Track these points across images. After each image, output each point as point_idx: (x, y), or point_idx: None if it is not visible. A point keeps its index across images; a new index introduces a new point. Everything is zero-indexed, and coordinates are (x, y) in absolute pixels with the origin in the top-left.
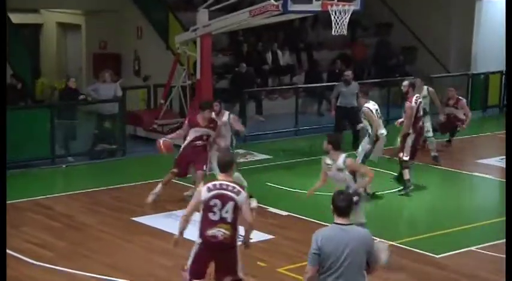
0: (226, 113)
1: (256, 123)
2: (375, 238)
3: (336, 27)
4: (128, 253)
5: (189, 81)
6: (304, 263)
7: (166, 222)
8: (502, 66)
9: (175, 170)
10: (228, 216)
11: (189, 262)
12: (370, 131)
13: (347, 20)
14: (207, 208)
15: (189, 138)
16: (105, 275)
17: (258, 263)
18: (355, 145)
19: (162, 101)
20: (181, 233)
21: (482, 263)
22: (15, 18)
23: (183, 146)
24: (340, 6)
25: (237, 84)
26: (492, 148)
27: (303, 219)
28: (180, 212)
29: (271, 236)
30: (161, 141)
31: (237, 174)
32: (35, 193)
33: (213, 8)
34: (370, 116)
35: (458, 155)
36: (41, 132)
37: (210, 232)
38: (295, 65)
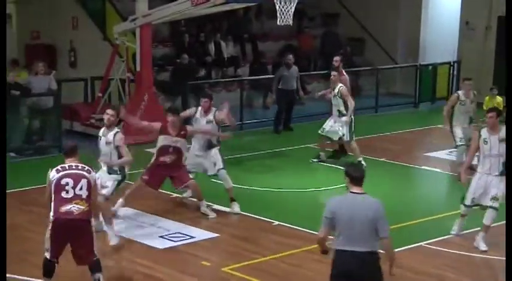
0: (213, 110)
1: None
2: None
3: (282, 17)
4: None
5: (129, 73)
6: (250, 262)
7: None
8: (450, 57)
9: (145, 177)
10: (82, 193)
11: (47, 244)
12: (342, 109)
13: (292, 9)
14: (59, 187)
15: (157, 146)
16: (39, 278)
17: (202, 262)
18: (287, 125)
19: (100, 95)
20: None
21: (431, 259)
22: None
23: (155, 155)
24: None
25: (178, 77)
26: (441, 141)
27: (249, 216)
28: (126, 211)
29: (216, 234)
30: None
31: (222, 172)
32: None
33: None
34: (347, 95)
35: (406, 149)
36: None
37: (64, 208)
38: (240, 57)
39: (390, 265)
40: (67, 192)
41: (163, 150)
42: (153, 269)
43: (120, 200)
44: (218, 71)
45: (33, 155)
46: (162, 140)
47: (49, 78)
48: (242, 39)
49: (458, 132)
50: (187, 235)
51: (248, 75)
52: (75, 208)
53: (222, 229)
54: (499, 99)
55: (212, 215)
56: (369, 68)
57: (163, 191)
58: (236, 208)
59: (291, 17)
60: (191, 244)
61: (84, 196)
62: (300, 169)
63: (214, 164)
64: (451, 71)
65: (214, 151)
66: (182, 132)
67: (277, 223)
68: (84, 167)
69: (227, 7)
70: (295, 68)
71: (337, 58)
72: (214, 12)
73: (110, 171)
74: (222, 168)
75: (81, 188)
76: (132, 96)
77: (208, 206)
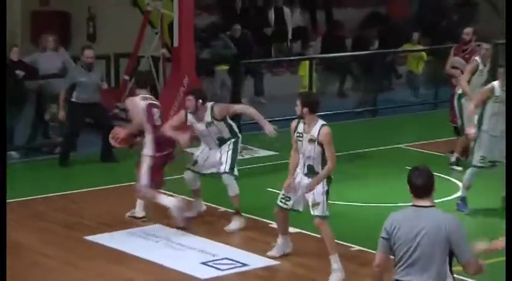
0: (209, 107)
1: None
2: None
3: None
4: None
5: (164, 49)
6: None
7: (130, 241)
8: None
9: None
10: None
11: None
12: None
13: None
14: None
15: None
16: None
17: None
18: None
19: (127, 77)
20: None
21: None
22: None
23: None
24: None
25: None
26: None
27: (319, 238)
28: (149, 229)
29: (275, 262)
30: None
31: (226, 177)
32: None
33: None
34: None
35: None
36: None
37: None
38: (309, 28)
39: None
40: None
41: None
42: None
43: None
44: (280, 47)
45: (39, 155)
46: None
47: (61, 55)
48: (312, 5)
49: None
50: (238, 262)
51: (320, 52)
52: None
53: (283, 254)
54: None
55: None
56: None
57: (208, 203)
58: (234, 225)
59: None
60: (243, 274)
61: None
62: (390, 175)
63: (221, 164)
64: None
65: (227, 147)
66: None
67: (357, 248)
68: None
69: None
70: None
71: (468, 30)
72: None
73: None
74: (228, 172)
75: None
76: (168, 79)
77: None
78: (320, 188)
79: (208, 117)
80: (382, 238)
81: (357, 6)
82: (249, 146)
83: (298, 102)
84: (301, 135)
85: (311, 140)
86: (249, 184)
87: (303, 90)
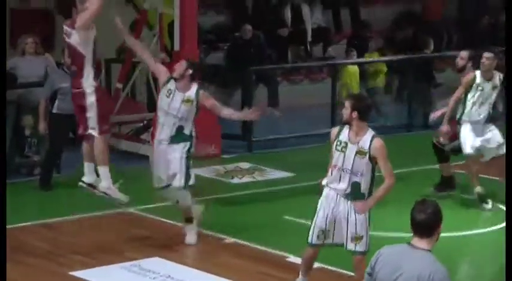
0: (195, 87)
1: (269, 121)
2: None
3: None
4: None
5: (163, 54)
6: None
7: (123, 278)
8: None
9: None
10: None
11: None
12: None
13: None
14: None
15: None
16: None
17: None
18: None
19: (119, 86)
20: None
21: None
22: None
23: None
24: None
25: (237, 59)
26: None
27: (342, 274)
28: (146, 263)
29: None
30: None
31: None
32: None
33: None
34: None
35: None
36: None
37: None
38: (331, 29)
39: None
40: None
41: None
42: None
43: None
44: (298, 51)
45: (17, 177)
46: None
47: (44, 60)
48: (336, 2)
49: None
50: None
51: (344, 57)
52: None
53: None
54: None
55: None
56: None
57: (212, 232)
58: (191, 236)
59: None
60: None
61: None
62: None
63: (174, 175)
64: None
65: (180, 152)
66: None
67: None
68: None
69: None
70: None
71: (464, 54)
72: None
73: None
74: (183, 187)
75: None
76: None
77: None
78: (362, 218)
79: (192, 94)
80: (367, 272)
81: (386, 4)
82: (261, 167)
83: (348, 105)
84: (344, 145)
85: (360, 153)
86: (263, 211)
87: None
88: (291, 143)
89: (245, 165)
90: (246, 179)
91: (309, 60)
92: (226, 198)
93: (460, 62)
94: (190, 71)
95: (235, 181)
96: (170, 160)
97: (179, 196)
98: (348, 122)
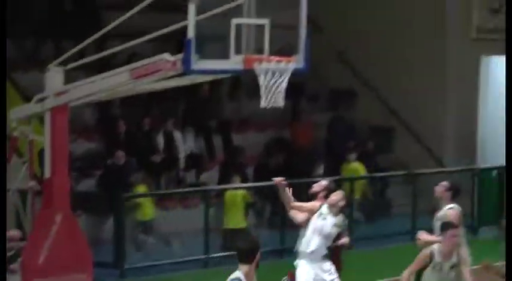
0: None
1: (141, 249)
2: None
3: (268, 97)
4: None
5: (33, 182)
6: None
7: None
8: None
9: None
10: None
11: None
12: None
13: (284, 85)
14: None
15: None
16: None
17: None
18: None
19: None
20: None
21: None
22: None
23: None
24: (274, 63)
25: (109, 186)
26: None
27: None
28: None
29: None
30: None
31: None
32: None
33: (71, 66)
34: None
35: None
36: None
37: None
38: (204, 155)
39: None
40: None
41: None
42: None
43: None
44: (170, 177)
45: None
46: None
47: None
48: (208, 129)
49: None
50: None
51: (217, 183)
52: None
53: None
54: None
55: None
56: (401, 172)
57: None
58: None
59: (282, 96)
60: None
61: None
62: None
63: None
64: None
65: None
66: None
67: None
68: None
69: (186, 81)
70: None
71: (323, 183)
72: (167, 88)
73: None
74: None
75: None
76: (37, 216)
77: None
78: None
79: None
80: None
81: (258, 130)
82: None
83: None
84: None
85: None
86: None
87: None
88: (165, 269)
89: None
90: None
91: (182, 186)
92: None
93: (315, 188)
94: None
95: None
96: None
97: None
98: None
